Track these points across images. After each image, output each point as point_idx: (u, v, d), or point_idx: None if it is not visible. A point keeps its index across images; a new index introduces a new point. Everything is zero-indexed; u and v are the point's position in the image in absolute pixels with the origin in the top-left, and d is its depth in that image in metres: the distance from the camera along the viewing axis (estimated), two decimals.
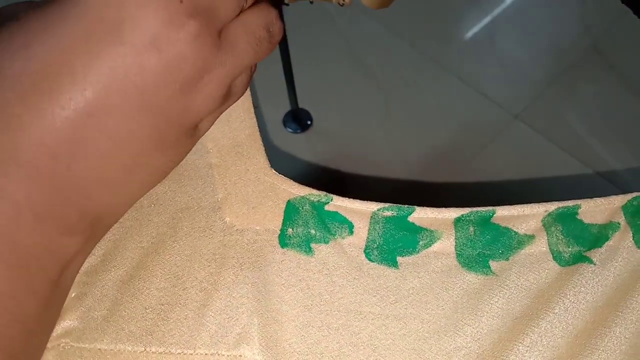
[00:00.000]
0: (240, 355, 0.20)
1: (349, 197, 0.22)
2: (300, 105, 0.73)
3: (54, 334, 0.21)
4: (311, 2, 0.47)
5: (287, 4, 0.39)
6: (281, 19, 0.19)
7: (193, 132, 0.17)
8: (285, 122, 0.74)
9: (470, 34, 0.80)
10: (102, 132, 0.15)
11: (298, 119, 0.74)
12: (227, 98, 0.18)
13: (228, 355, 0.20)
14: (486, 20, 0.80)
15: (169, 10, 0.14)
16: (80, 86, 0.14)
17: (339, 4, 0.35)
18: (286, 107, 0.73)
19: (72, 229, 0.16)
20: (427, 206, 0.22)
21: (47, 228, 0.15)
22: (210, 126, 0.19)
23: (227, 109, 0.19)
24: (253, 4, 0.17)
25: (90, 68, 0.14)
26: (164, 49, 0.14)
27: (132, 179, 0.17)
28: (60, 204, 0.15)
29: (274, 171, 0.23)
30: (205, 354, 0.20)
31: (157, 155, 0.17)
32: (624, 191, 0.23)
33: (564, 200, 0.22)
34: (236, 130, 0.24)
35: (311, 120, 0.74)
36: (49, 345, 0.21)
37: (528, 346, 0.20)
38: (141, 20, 0.14)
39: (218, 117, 0.19)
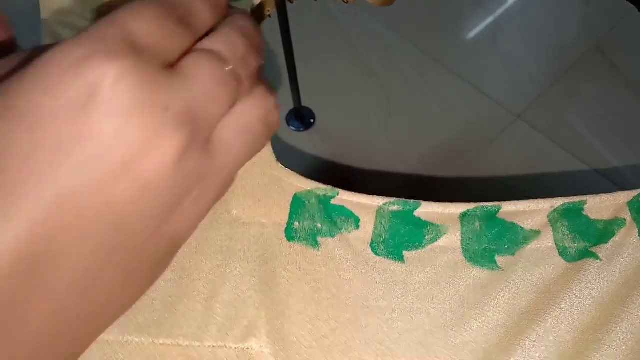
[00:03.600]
0: (248, 348, 0.20)
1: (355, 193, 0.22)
2: (304, 103, 0.73)
3: None
4: (315, 0, 0.46)
5: (292, 2, 0.39)
6: (277, 107, 0.16)
7: (171, 255, 0.14)
8: (288, 121, 0.74)
9: (472, 33, 0.80)
10: (49, 282, 0.11)
11: (301, 117, 0.74)
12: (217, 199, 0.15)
13: (236, 348, 0.20)
14: (488, 20, 0.80)
15: (147, 122, 0.11)
16: (19, 224, 0.11)
17: (343, 1, 0.34)
18: (289, 105, 0.73)
19: None
20: (430, 202, 0.22)
21: None
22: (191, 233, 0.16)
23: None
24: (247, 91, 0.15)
25: (32, 200, 0.11)
26: (138, 172, 0.11)
27: (91, 327, 0.13)
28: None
29: (281, 165, 0.23)
30: (213, 346, 0.20)
31: (123, 292, 0.13)
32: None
33: None
34: None
35: (314, 119, 0.74)
36: None
37: (534, 341, 0.20)
38: (109, 136, 0.11)
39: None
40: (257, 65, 0.15)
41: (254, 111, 0.15)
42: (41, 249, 0.11)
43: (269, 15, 0.30)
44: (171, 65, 0.12)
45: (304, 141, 0.72)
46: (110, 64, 0.11)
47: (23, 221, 0.11)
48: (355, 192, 0.22)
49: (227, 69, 0.13)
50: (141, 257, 0.13)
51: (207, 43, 0.14)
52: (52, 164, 0.11)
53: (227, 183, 0.15)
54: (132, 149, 0.11)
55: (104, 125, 0.11)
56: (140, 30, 0.12)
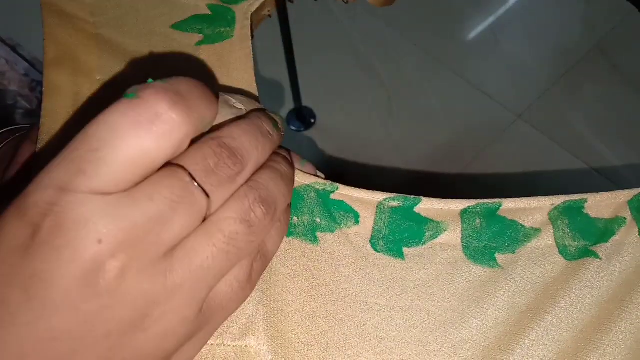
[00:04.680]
0: (246, 346, 0.20)
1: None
2: (304, 103, 0.73)
3: None
4: (315, 0, 0.46)
5: (292, 1, 0.39)
6: (263, 200, 0.15)
7: None
8: (289, 120, 0.74)
9: (474, 33, 0.80)
10: None
11: (302, 117, 0.73)
12: (207, 317, 0.15)
13: (234, 346, 0.20)
14: (490, 20, 0.80)
15: (84, 261, 0.12)
16: None
17: (343, 1, 0.34)
18: (290, 105, 0.73)
19: None
20: (430, 198, 0.22)
21: None
22: (196, 352, 0.16)
23: (220, 324, 0.17)
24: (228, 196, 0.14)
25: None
26: (79, 305, 0.12)
27: None
28: None
29: None
30: (211, 344, 0.20)
31: None
32: None
33: None
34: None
35: (315, 119, 0.74)
36: None
37: (533, 340, 0.20)
38: (51, 279, 0.12)
39: (206, 340, 0.16)
40: (249, 168, 0.15)
41: (226, 212, 0.14)
42: None
43: (269, 15, 0.30)
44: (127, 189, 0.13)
45: (304, 141, 0.72)
46: (45, 206, 0.12)
47: None
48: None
49: (189, 187, 0.13)
50: None
51: (178, 161, 0.14)
52: (10, 307, 0.12)
53: (199, 303, 0.14)
54: (67, 285, 0.12)
55: (43, 264, 0.12)
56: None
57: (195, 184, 0.14)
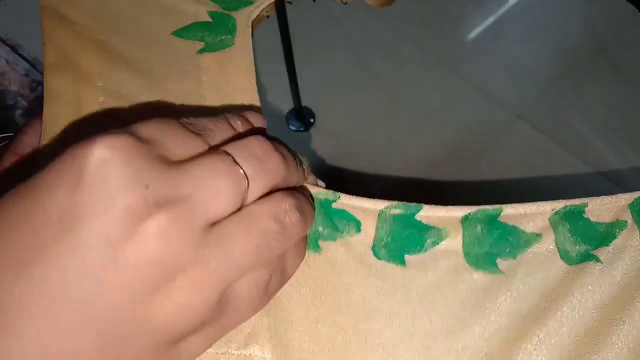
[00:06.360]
0: (250, 355, 0.20)
1: (356, 196, 0.22)
2: (304, 103, 0.73)
3: None
4: (314, 0, 0.47)
5: (290, 2, 0.39)
6: (298, 208, 0.16)
7: (168, 353, 0.14)
8: (288, 120, 0.74)
9: (474, 33, 0.80)
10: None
11: (301, 117, 0.73)
12: (222, 311, 0.15)
13: (238, 355, 0.20)
14: (490, 20, 0.80)
15: (129, 200, 0.12)
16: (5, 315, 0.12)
17: (342, 1, 0.34)
18: (289, 105, 0.73)
19: None
20: (431, 205, 0.22)
21: None
22: (201, 350, 0.16)
23: (231, 329, 0.17)
24: (263, 195, 0.15)
25: (18, 284, 0.12)
26: (119, 249, 0.12)
27: None
28: None
29: None
30: (216, 352, 0.20)
31: None
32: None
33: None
34: None
35: (314, 119, 0.74)
36: None
37: (536, 345, 0.20)
38: (92, 214, 0.12)
39: (214, 340, 0.16)
40: (277, 172, 0.16)
41: (266, 208, 0.15)
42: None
43: (268, 16, 0.30)
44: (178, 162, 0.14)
45: (304, 141, 0.72)
46: (97, 145, 0.13)
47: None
48: (355, 192, 0.22)
49: (233, 165, 0.14)
50: (122, 337, 0.13)
51: (222, 147, 0.15)
52: (45, 244, 0.12)
53: (222, 286, 0.14)
54: (110, 225, 0.12)
55: (87, 198, 0.12)
56: (144, 129, 0.14)
57: (239, 167, 0.15)
